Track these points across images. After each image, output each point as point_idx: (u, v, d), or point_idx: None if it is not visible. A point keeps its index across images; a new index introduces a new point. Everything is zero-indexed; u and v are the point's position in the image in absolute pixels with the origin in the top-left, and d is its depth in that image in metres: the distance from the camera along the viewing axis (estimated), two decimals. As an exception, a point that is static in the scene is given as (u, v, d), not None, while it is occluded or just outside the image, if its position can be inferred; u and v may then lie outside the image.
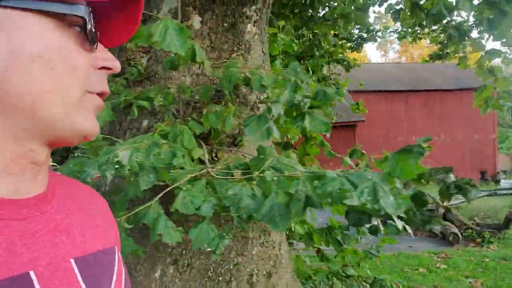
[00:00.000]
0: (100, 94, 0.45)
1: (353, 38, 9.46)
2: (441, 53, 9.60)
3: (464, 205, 8.53)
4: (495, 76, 4.01)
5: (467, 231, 6.71)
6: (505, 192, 8.47)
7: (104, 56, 0.44)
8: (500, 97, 4.13)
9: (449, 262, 5.29)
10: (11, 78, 0.37)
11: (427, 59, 10.03)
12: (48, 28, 0.39)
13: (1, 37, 0.37)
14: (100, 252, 0.48)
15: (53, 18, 0.39)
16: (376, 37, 10.35)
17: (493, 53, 3.98)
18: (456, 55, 10.22)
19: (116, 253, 0.52)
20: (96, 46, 0.43)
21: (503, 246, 6.02)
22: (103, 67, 0.44)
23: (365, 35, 9.68)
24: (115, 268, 0.49)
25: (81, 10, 0.40)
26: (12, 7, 0.37)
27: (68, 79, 0.40)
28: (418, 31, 10.01)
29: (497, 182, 14.80)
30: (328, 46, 7.29)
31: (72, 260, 0.42)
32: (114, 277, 0.47)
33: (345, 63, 10.21)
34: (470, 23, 9.28)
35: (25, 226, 0.39)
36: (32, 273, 0.38)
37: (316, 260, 4.11)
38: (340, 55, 10.10)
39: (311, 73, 6.99)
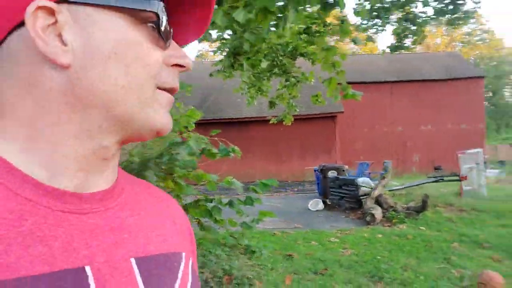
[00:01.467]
0: (170, 91, 0.44)
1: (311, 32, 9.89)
2: (399, 44, 9.90)
3: (407, 190, 8.93)
4: (337, 70, 4.56)
5: (391, 213, 7.16)
6: (451, 178, 8.77)
7: (177, 53, 0.44)
8: (343, 87, 4.65)
9: (343, 237, 5.84)
10: (87, 76, 0.38)
11: (388, 50, 10.34)
12: (122, 24, 0.39)
13: (78, 34, 0.38)
14: (163, 255, 0.46)
15: (127, 14, 0.39)
16: (333, 32, 10.69)
17: (330, 49, 4.53)
18: (413, 46, 10.57)
19: (183, 260, 0.49)
20: (169, 43, 0.44)
21: (411, 226, 6.47)
22: (175, 65, 0.44)
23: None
24: (179, 275, 0.47)
25: (155, 6, 0.40)
26: (87, 4, 0.38)
27: (142, 75, 0.40)
28: (379, 24, 10.32)
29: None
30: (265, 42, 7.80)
31: (132, 260, 0.41)
32: (178, 283, 0.46)
33: (311, 56, 10.64)
34: (423, 17, 9.62)
35: (85, 221, 0.39)
36: (88, 268, 0.37)
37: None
38: (304, 49, 10.53)
39: (245, 68, 7.55)
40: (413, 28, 10.18)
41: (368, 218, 6.90)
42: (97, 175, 0.42)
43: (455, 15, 9.78)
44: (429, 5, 8.39)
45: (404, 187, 8.74)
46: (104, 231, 0.40)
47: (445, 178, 8.88)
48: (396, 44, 10.67)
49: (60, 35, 0.37)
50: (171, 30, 0.44)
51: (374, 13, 10.34)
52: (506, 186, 10.84)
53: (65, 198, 0.39)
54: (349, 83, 16.10)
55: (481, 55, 37.37)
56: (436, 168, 14.79)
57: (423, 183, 8.71)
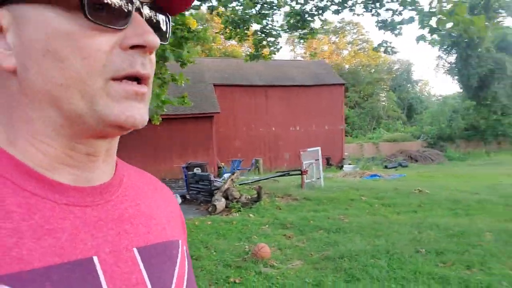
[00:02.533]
0: (137, 78, 0.40)
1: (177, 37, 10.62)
2: (256, 53, 11.11)
3: (261, 183, 10.15)
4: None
5: (233, 203, 8.20)
6: (295, 173, 10.17)
7: (135, 32, 0.39)
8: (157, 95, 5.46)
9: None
10: (29, 76, 0.37)
11: (247, 58, 11.55)
12: (52, 17, 0.36)
13: (17, 35, 0.37)
14: (163, 244, 0.48)
15: (57, 4, 0.36)
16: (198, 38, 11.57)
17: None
18: (269, 56, 11.75)
19: (180, 247, 0.52)
20: (127, 23, 0.38)
21: (244, 214, 7.55)
22: (136, 46, 0.39)
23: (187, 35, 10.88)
24: (178, 261, 0.49)
25: None
26: (20, 2, 0.37)
27: (81, 69, 0.37)
28: (242, 33, 11.44)
29: (341, 167, 17.09)
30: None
31: (135, 249, 0.43)
32: (177, 269, 0.48)
33: (180, 59, 11.34)
34: (279, 30, 10.86)
35: (89, 213, 0.41)
36: (95, 258, 0.38)
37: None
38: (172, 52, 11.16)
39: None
40: (270, 39, 11.50)
41: (210, 209, 7.85)
42: (89, 170, 0.42)
43: (304, 31, 11.31)
44: (273, 28, 9.62)
45: (256, 180, 9.94)
46: (107, 223, 0.42)
47: (291, 173, 10.27)
48: (254, 52, 11.93)
49: (5, 39, 0.37)
50: (130, 6, 0.38)
51: (235, 24, 11.44)
52: (347, 179, 12.77)
53: (68, 192, 0.40)
54: (231, 85, 17.67)
55: (361, 62, 41.87)
56: (303, 164, 16.72)
57: (272, 177, 10.01)
